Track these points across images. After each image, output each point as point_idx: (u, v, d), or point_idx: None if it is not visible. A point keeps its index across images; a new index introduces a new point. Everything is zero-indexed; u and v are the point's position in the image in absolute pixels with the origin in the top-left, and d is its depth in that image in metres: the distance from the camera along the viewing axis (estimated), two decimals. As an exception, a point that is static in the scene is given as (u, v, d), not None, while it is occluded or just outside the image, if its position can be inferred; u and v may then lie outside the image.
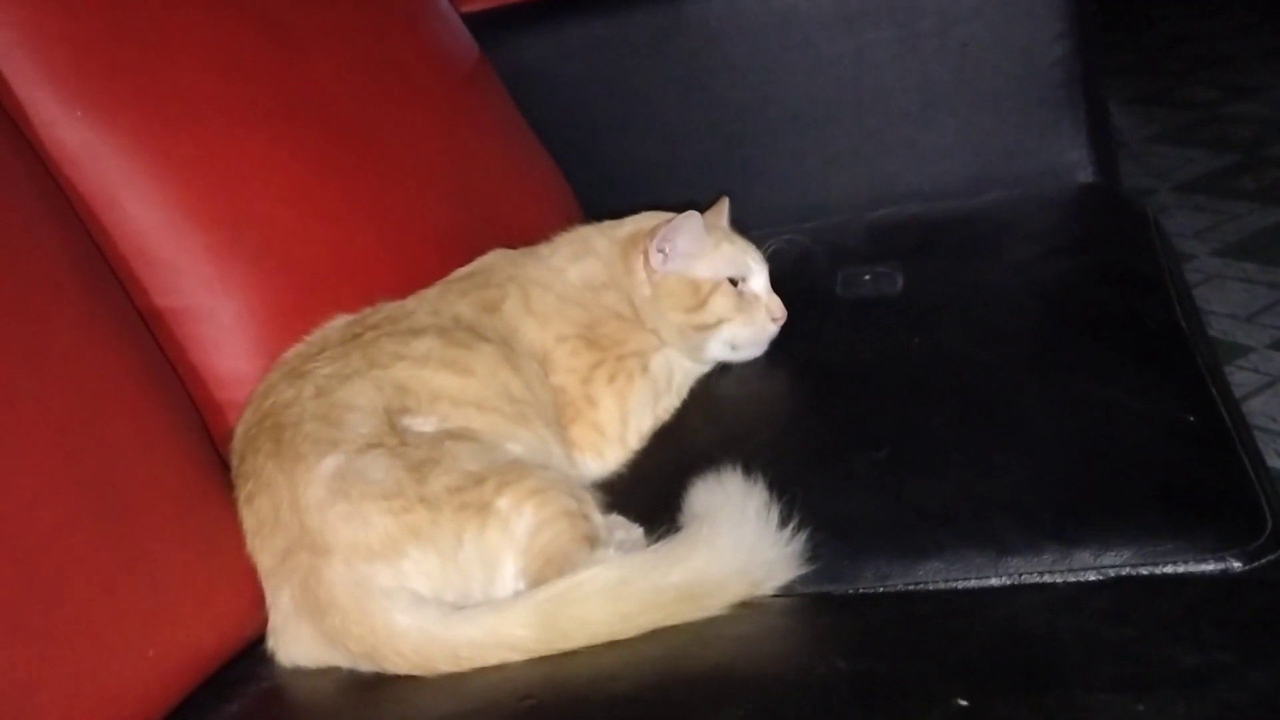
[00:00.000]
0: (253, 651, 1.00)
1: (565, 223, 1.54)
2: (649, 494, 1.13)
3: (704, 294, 1.25)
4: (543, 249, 1.33)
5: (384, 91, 1.39)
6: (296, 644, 0.97)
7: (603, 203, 1.71)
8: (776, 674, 0.83)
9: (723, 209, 1.38)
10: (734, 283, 1.26)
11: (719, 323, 1.26)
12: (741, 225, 1.71)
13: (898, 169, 1.74)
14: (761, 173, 1.78)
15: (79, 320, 0.94)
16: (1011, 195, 1.62)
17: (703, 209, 1.35)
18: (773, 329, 1.27)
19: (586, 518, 1.02)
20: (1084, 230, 1.50)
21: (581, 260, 1.30)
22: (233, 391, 1.15)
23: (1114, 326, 1.25)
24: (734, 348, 1.28)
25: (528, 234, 1.38)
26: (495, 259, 1.31)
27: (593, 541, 1.00)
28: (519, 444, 1.10)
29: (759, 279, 1.28)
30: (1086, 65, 1.66)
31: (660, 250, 1.26)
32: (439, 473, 0.99)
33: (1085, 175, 1.68)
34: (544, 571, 0.96)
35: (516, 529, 0.99)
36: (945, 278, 1.40)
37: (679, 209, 1.33)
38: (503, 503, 0.99)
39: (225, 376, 1.16)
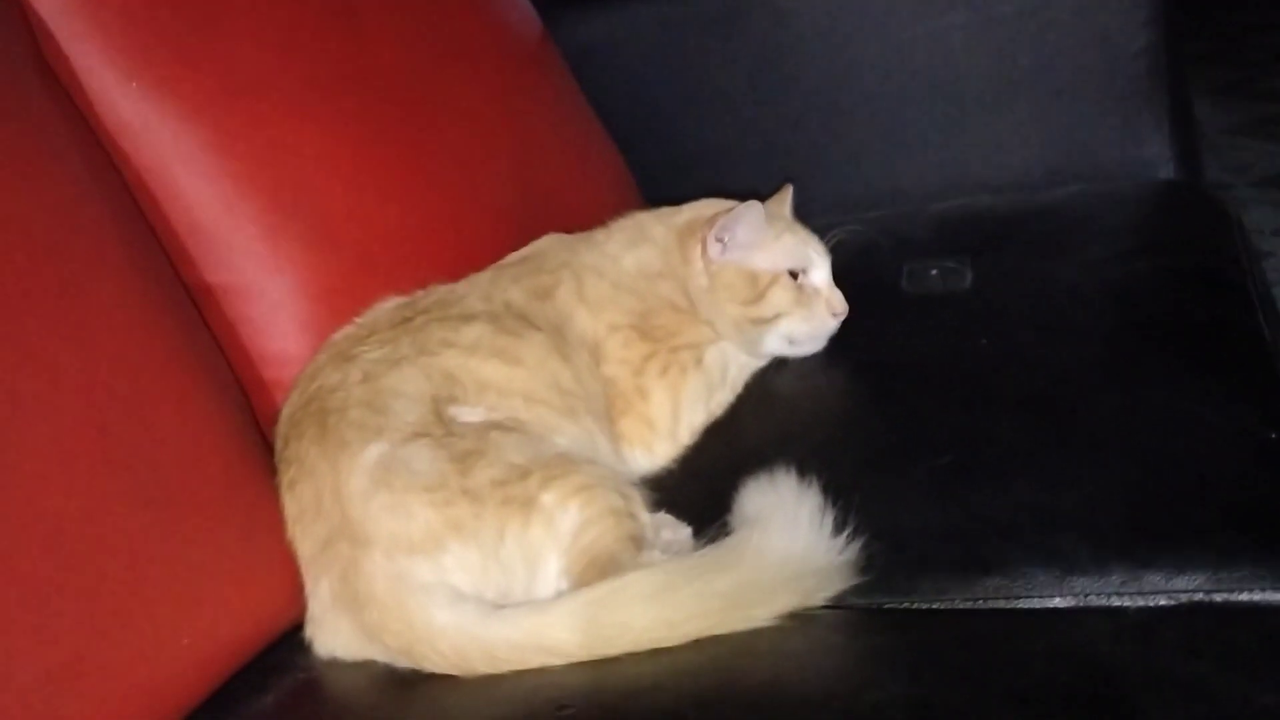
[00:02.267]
0: (291, 638, 0.98)
1: (624, 205, 1.50)
2: (699, 492, 1.10)
3: (762, 286, 1.21)
4: (598, 234, 1.29)
5: (444, 68, 1.36)
6: (335, 636, 0.95)
7: (665, 186, 1.67)
8: (825, 695, 0.80)
9: (786, 197, 1.34)
10: (794, 275, 1.22)
11: (777, 316, 1.22)
12: (807, 212, 1.66)
13: (970, 158, 1.69)
14: (829, 158, 1.74)
15: (124, 299, 0.92)
16: (1088, 190, 1.56)
17: (765, 196, 1.32)
18: (833, 324, 1.23)
19: (633, 516, 0.99)
20: (1163, 229, 1.44)
21: (638, 247, 1.26)
22: (280, 371, 1.13)
23: (1193, 333, 1.19)
24: (792, 342, 1.24)
25: (586, 216, 1.35)
26: (550, 244, 1.28)
27: (638, 542, 0.97)
28: (565, 437, 1.07)
29: (820, 272, 1.24)
30: (1171, 56, 1.60)
31: (719, 240, 1.22)
32: (484, 465, 0.96)
33: (1166, 171, 1.62)
34: (587, 572, 0.93)
35: (561, 526, 0.96)
36: (1016, 275, 1.35)
37: (741, 196, 1.29)
38: (548, 498, 0.96)
39: (274, 355, 1.14)
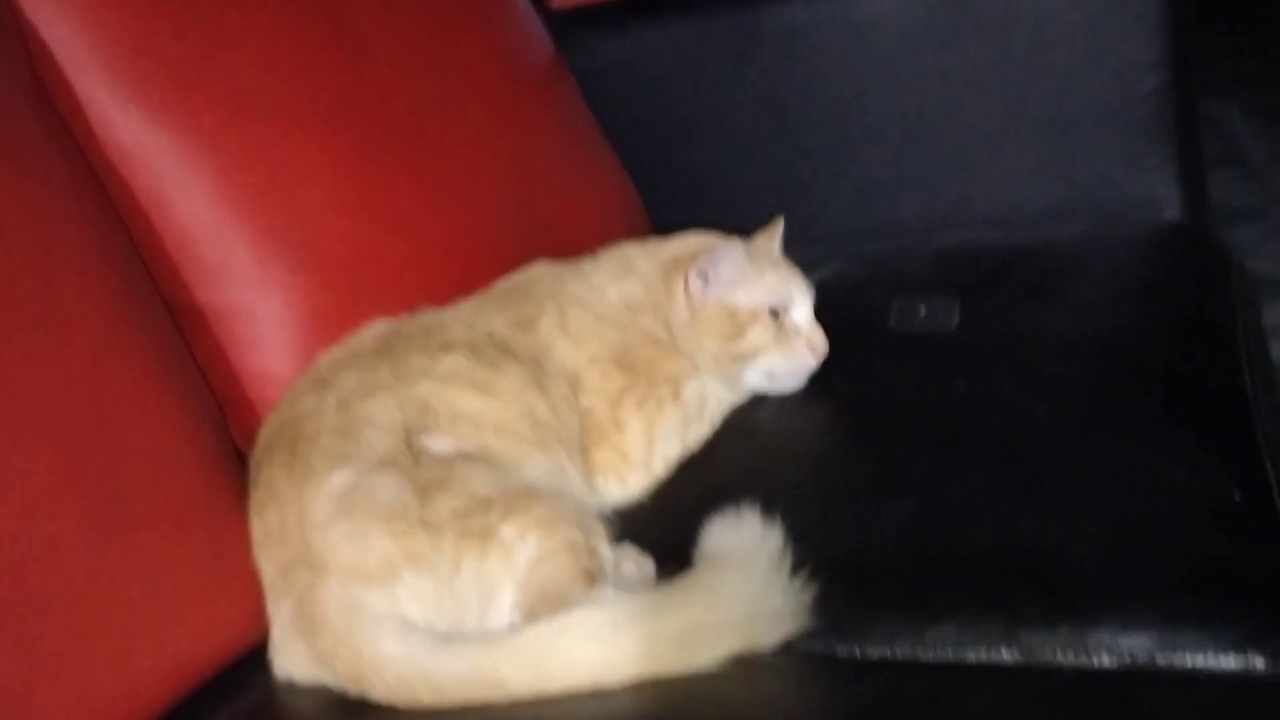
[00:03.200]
0: (258, 657, 1.01)
1: (631, 232, 1.53)
2: (667, 525, 1.12)
3: (742, 323, 1.23)
4: (586, 264, 1.31)
5: (446, 94, 1.39)
6: (291, 659, 0.98)
7: (674, 211, 1.69)
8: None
9: (776, 232, 1.35)
10: (776, 313, 1.24)
11: (756, 353, 1.23)
12: (812, 240, 1.68)
13: (975, 193, 1.69)
14: (835, 188, 1.74)
15: (101, 326, 0.95)
16: (1089, 229, 1.56)
17: (767, 223, 1.35)
18: (812, 362, 1.25)
19: (592, 551, 1.01)
20: (1158, 274, 1.43)
21: (623, 280, 1.28)
22: (267, 390, 1.16)
23: (1173, 385, 1.19)
24: (772, 378, 1.26)
25: (589, 243, 1.37)
26: (538, 272, 1.30)
27: (593, 577, 0.99)
28: (536, 468, 1.09)
29: (802, 310, 1.25)
30: (1181, 99, 1.59)
31: (701, 276, 1.24)
32: (446, 496, 0.99)
33: (1171, 213, 1.61)
34: (538, 606, 0.95)
35: (519, 559, 0.98)
36: (1003, 316, 1.35)
37: (746, 223, 1.33)
38: (507, 530, 0.98)
39: (262, 375, 1.17)
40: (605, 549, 1.04)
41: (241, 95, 1.18)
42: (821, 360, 1.25)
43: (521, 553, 0.98)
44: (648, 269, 1.29)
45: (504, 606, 0.97)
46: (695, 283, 1.24)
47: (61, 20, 1.09)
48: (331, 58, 1.28)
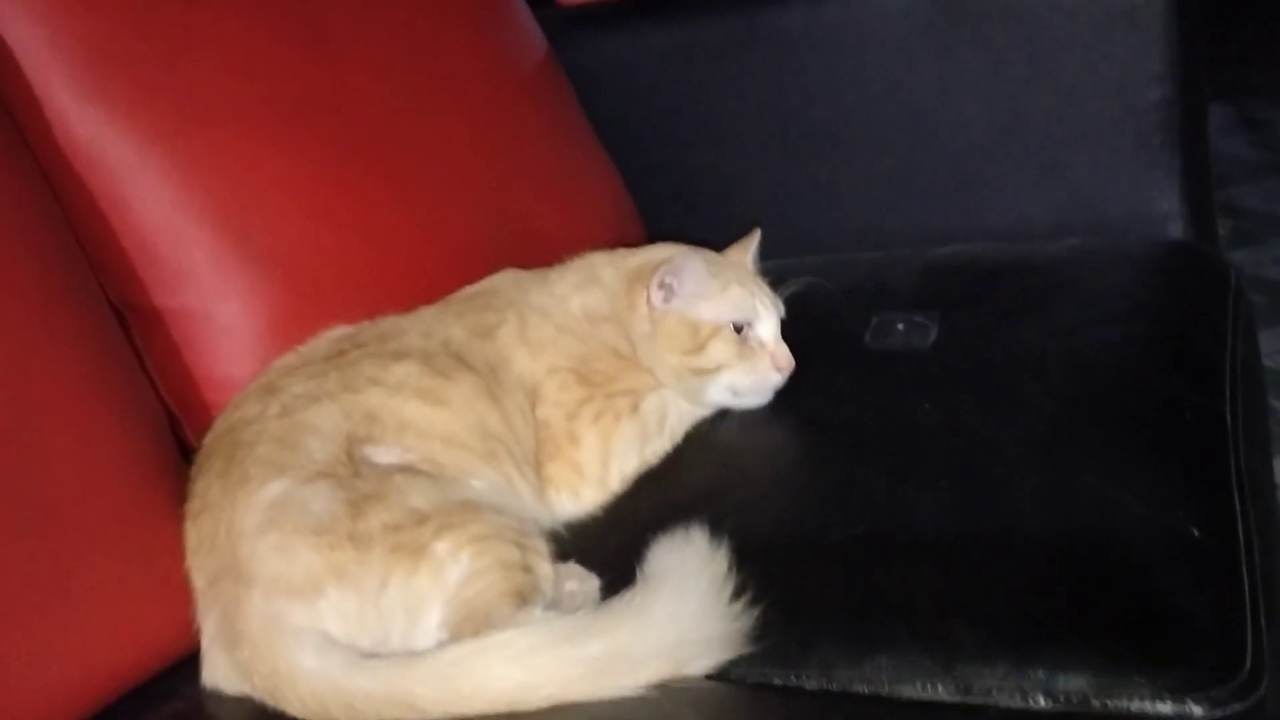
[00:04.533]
0: (188, 666, 1.01)
1: (621, 237, 1.51)
2: (619, 541, 1.10)
3: (703, 337, 1.21)
4: (552, 274, 1.30)
5: (422, 98, 1.38)
6: (217, 670, 0.98)
7: (669, 216, 1.68)
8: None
9: (750, 244, 1.33)
10: (740, 328, 1.21)
11: (718, 368, 1.21)
12: (805, 249, 1.67)
13: (972, 204, 1.65)
14: (830, 195, 1.71)
15: (30, 324, 0.95)
16: (1087, 244, 1.52)
17: (748, 232, 1.33)
18: (776, 379, 1.22)
19: (527, 569, 1.00)
20: (1151, 295, 1.39)
21: (586, 290, 1.26)
22: (224, 395, 1.16)
23: (1146, 414, 1.15)
24: (735, 394, 1.23)
25: (577, 249, 1.35)
26: (503, 280, 1.29)
27: (524, 596, 0.98)
28: (482, 481, 1.08)
29: (767, 325, 1.23)
30: (1187, 112, 1.54)
31: (662, 288, 1.22)
32: (380, 509, 0.98)
33: (1175, 230, 1.57)
34: (463, 625, 0.94)
35: (450, 576, 0.97)
36: (982, 335, 1.32)
37: (740, 228, 1.33)
38: (441, 547, 0.97)
39: (218, 380, 1.17)
40: (544, 567, 1.02)
41: (204, 96, 1.18)
42: (787, 377, 1.23)
43: (453, 569, 0.97)
44: (611, 279, 1.27)
45: (431, 624, 0.96)
46: (657, 294, 1.22)
47: (19, 16, 1.09)
48: (301, 59, 1.27)
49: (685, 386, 1.24)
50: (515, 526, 1.03)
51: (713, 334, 1.21)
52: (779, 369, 1.22)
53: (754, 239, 1.33)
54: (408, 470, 1.03)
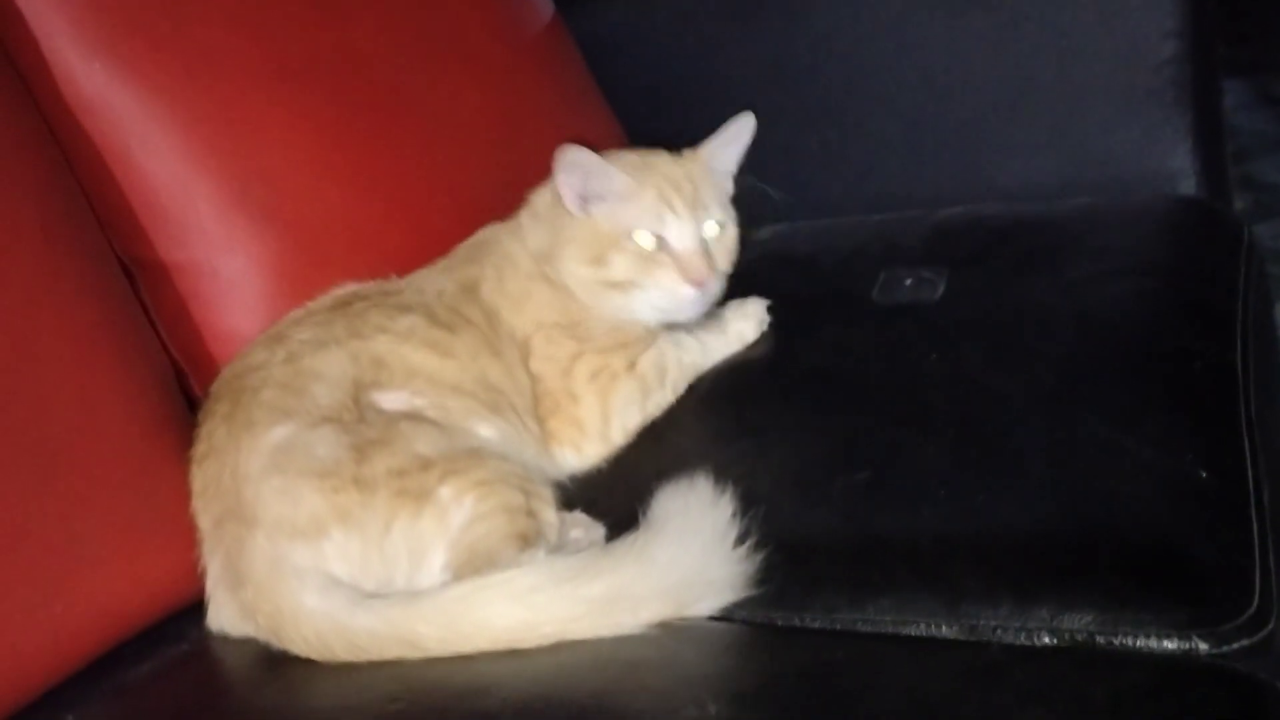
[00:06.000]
0: (195, 609, 1.01)
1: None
2: (624, 491, 1.09)
3: (603, 247, 1.14)
4: (523, 216, 1.24)
5: (428, 55, 1.37)
6: (222, 612, 0.98)
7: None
8: (639, 711, 0.80)
9: (723, 139, 1.24)
10: (660, 239, 1.14)
11: (628, 284, 1.14)
12: (817, 210, 1.66)
13: (984, 164, 1.64)
14: (839, 158, 1.70)
15: (36, 272, 0.95)
16: (1097, 203, 1.50)
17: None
18: (688, 293, 1.14)
19: (531, 514, 1.00)
20: (1162, 250, 1.38)
21: (534, 228, 1.21)
22: (230, 348, 1.16)
23: (1155, 363, 1.14)
24: (657, 310, 1.17)
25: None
26: (485, 234, 1.26)
27: (528, 540, 0.98)
28: (490, 428, 1.08)
29: (677, 232, 1.14)
30: (1199, 67, 1.52)
31: (569, 187, 1.14)
32: (385, 455, 0.98)
33: (1187, 187, 1.55)
34: (465, 569, 0.94)
35: (454, 520, 0.97)
36: (990, 290, 1.31)
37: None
38: (445, 491, 0.97)
39: (225, 333, 1.17)
40: (548, 513, 1.03)
41: (210, 51, 1.18)
42: (709, 290, 1.15)
43: (457, 514, 0.97)
44: (546, 205, 1.21)
45: (435, 567, 0.96)
46: (568, 195, 1.15)
47: (24, -29, 1.09)
48: (309, 17, 1.27)
49: (604, 303, 1.17)
50: (520, 473, 1.03)
51: (613, 244, 1.14)
52: (690, 281, 1.14)
53: (732, 132, 1.25)
54: (414, 417, 1.03)
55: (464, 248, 1.26)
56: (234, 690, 0.95)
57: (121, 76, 1.12)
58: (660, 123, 1.75)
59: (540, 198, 1.23)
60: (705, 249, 1.16)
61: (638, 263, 1.15)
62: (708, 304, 1.19)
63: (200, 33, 1.18)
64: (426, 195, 1.31)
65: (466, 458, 1.01)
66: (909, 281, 1.34)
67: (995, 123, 1.62)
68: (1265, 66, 3.81)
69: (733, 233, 1.22)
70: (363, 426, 1.00)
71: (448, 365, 1.10)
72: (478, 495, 0.98)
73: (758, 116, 1.72)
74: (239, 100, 1.19)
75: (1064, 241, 1.41)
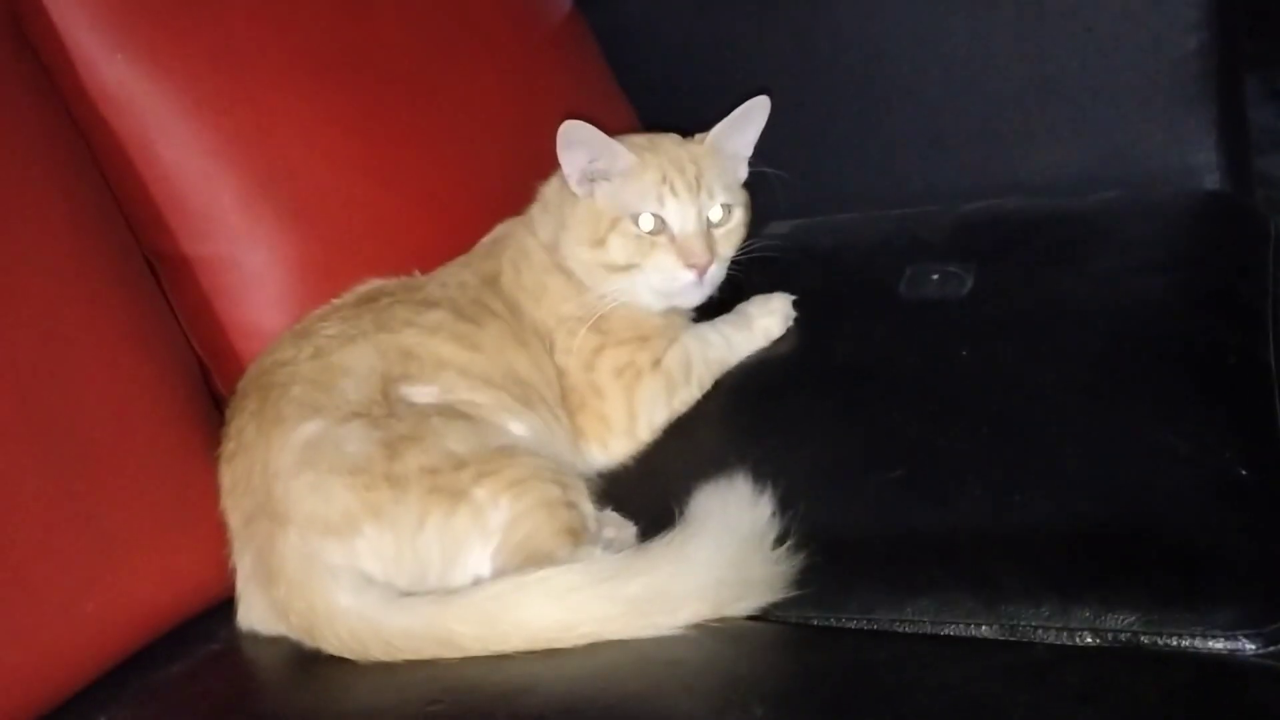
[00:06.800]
0: (225, 608, 1.00)
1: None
2: (653, 491, 1.09)
3: (603, 230, 1.12)
4: (534, 209, 1.23)
5: (452, 49, 1.36)
6: (253, 610, 0.97)
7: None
8: (686, 713, 0.79)
9: (735, 121, 1.21)
10: (659, 221, 1.12)
11: (628, 266, 1.13)
12: (838, 205, 1.64)
13: (1006, 159, 1.62)
14: (861, 151, 1.69)
15: (64, 268, 0.95)
16: (1123, 197, 1.49)
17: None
18: (687, 276, 1.13)
19: (571, 506, 0.99)
20: (1190, 244, 1.37)
21: (542, 219, 1.20)
22: (253, 342, 1.16)
23: (1189, 359, 1.13)
24: (658, 294, 1.15)
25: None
26: (504, 229, 1.26)
27: (576, 534, 0.97)
28: (522, 424, 1.07)
29: (677, 216, 1.12)
30: (1224, 61, 1.51)
31: (571, 166, 1.13)
32: (417, 451, 0.97)
33: (1212, 181, 1.53)
34: (523, 569, 0.93)
35: (491, 521, 0.96)
36: (1019, 285, 1.29)
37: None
38: (480, 493, 0.96)
39: (247, 327, 1.16)
40: (587, 505, 1.02)
41: (232, 44, 1.17)
42: (709, 273, 1.14)
43: (494, 515, 0.96)
44: (553, 192, 1.20)
45: (469, 565, 0.95)
46: (571, 174, 1.14)
47: (47, -37, 1.08)
48: (330, 9, 1.26)
49: (607, 286, 1.15)
50: (553, 466, 1.02)
51: (612, 225, 1.13)
52: (689, 265, 1.12)
53: (744, 113, 1.22)
54: (445, 411, 1.02)
55: (482, 244, 1.25)
56: (267, 690, 0.94)
57: (145, 69, 1.11)
58: (678, 116, 1.73)
59: (549, 188, 1.23)
60: (706, 232, 1.15)
61: (637, 245, 1.13)
62: (710, 288, 1.18)
63: (223, 25, 1.17)
64: (448, 188, 1.30)
65: (499, 457, 0.99)
66: (936, 276, 1.33)
67: (1018, 116, 1.60)
68: (1274, 62, 3.80)
69: (740, 217, 1.20)
70: (393, 421, 0.99)
71: (476, 358, 1.08)
72: (513, 495, 0.97)
73: (777, 109, 1.71)
74: (262, 93, 1.18)
75: (1090, 236, 1.39)
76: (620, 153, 1.13)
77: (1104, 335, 1.18)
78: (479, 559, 0.96)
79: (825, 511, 1.00)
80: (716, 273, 1.16)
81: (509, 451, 1.01)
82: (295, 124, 1.19)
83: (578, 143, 1.12)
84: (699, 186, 1.14)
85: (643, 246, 1.13)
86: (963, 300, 1.27)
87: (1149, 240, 1.38)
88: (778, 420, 1.16)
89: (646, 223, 1.13)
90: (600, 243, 1.13)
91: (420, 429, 0.99)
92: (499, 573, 0.95)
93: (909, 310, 1.29)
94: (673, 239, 1.13)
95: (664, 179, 1.13)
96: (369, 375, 1.03)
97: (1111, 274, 1.29)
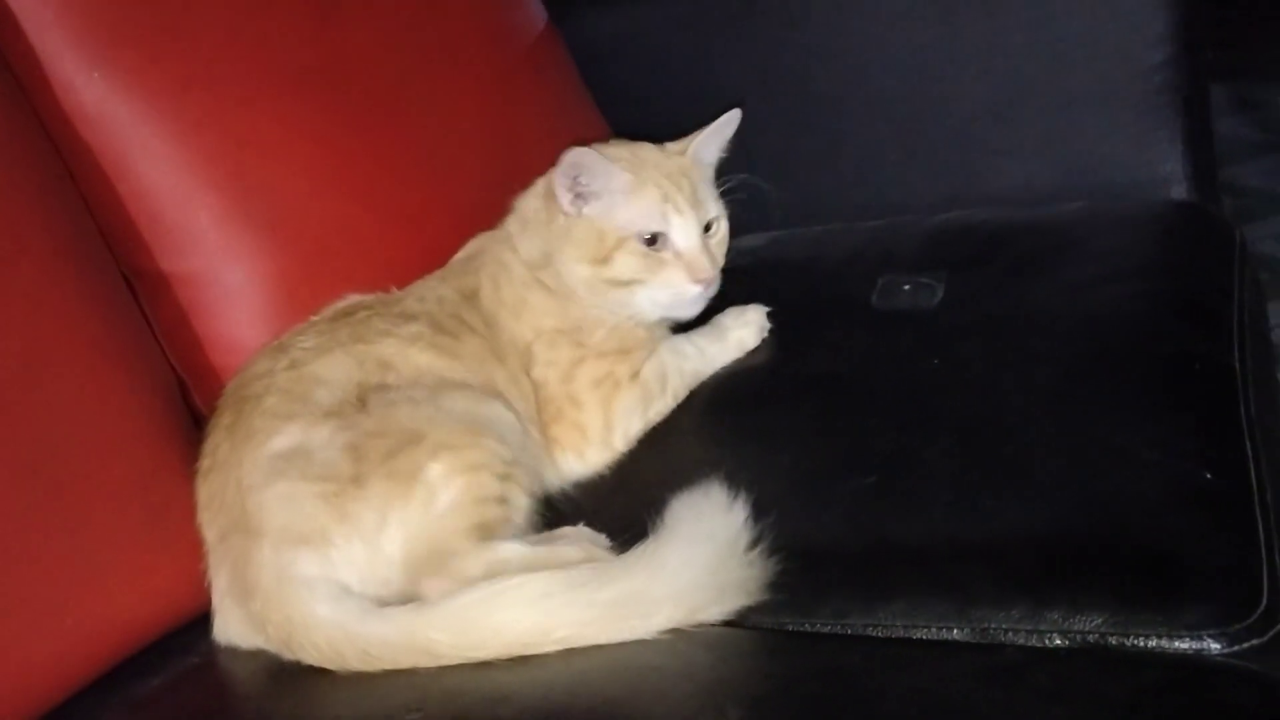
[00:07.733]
0: (203, 622, 1.01)
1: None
2: (627, 502, 1.10)
3: (609, 247, 1.14)
4: (510, 224, 1.24)
5: (427, 65, 1.37)
6: (230, 624, 0.98)
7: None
8: (660, 717, 0.80)
9: (696, 137, 1.23)
10: (655, 237, 1.14)
11: (632, 281, 1.15)
12: (810, 217, 1.66)
13: (977, 170, 1.65)
14: (834, 164, 1.71)
15: (40, 284, 0.95)
16: (1092, 207, 1.51)
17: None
18: (694, 291, 1.15)
19: (502, 501, 1.00)
20: (1157, 253, 1.39)
21: (524, 234, 1.21)
22: (231, 358, 1.16)
23: (1157, 366, 1.15)
24: (659, 307, 1.18)
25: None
26: (479, 244, 1.27)
27: (486, 529, 0.97)
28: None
29: (681, 232, 1.14)
30: (1190, 73, 1.54)
31: (566, 187, 1.14)
32: (378, 440, 0.97)
33: (1179, 191, 1.56)
34: (419, 563, 0.95)
35: (439, 501, 0.97)
36: (989, 295, 1.31)
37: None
38: (435, 469, 0.97)
39: (225, 343, 1.17)
40: (521, 499, 1.02)
41: (205, 61, 1.18)
42: (711, 286, 1.16)
43: (443, 496, 0.97)
44: (536, 209, 1.21)
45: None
46: (565, 198, 1.15)
47: (24, -17, 1.09)
48: (303, 26, 1.27)
49: (606, 300, 1.17)
50: (506, 458, 1.02)
51: (618, 244, 1.14)
52: (696, 280, 1.15)
53: (720, 125, 1.25)
54: (412, 400, 1.02)
55: (457, 259, 1.26)
56: (247, 702, 0.94)
57: (121, 87, 1.12)
58: (653, 129, 1.75)
59: (526, 203, 1.23)
60: (707, 246, 1.17)
61: (644, 262, 1.15)
62: (708, 299, 1.20)
63: (200, 43, 1.18)
64: (424, 203, 1.31)
65: (460, 433, 1.00)
66: (907, 287, 1.34)
67: (987, 128, 1.63)
68: (1243, 72, 3.86)
69: (725, 227, 1.23)
70: (361, 418, 1.00)
71: (455, 366, 1.10)
72: (466, 482, 0.98)
73: (751, 122, 1.73)
74: (239, 110, 1.19)
75: (1060, 245, 1.42)
76: (618, 174, 1.14)
77: (1073, 343, 1.19)
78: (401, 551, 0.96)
79: (799, 518, 1.01)
80: (717, 283, 1.19)
81: (474, 428, 1.01)
82: (272, 141, 1.20)
83: (578, 167, 1.13)
84: (695, 202, 1.17)
85: (650, 263, 1.15)
86: (934, 310, 1.29)
87: (1117, 250, 1.40)
88: (752, 429, 1.18)
89: (651, 240, 1.15)
90: (603, 260, 1.14)
91: (385, 423, 0.99)
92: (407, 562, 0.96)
93: (881, 320, 1.30)
94: (678, 254, 1.15)
95: (665, 197, 1.15)
96: (345, 384, 1.04)
97: (1080, 283, 1.31)
